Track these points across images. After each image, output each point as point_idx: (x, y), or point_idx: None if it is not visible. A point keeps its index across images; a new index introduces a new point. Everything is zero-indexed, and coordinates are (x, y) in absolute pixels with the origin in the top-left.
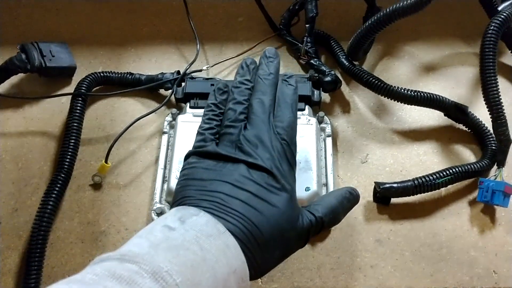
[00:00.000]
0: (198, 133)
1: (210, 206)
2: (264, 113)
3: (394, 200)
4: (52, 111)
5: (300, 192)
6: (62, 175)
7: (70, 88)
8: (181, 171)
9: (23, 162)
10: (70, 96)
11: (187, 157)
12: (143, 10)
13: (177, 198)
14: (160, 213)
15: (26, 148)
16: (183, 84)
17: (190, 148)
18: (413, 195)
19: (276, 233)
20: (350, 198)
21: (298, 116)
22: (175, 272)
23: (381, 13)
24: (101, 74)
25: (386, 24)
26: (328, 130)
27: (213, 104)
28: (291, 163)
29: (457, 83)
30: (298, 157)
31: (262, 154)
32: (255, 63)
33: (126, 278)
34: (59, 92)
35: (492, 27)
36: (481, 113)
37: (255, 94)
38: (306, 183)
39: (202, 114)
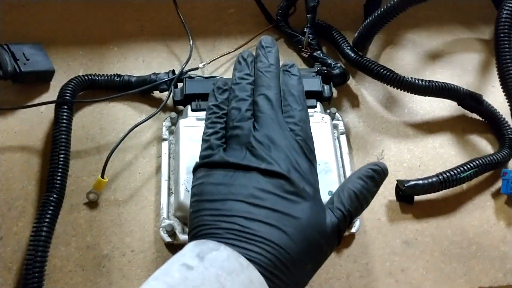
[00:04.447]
0: (203, 140)
1: (229, 235)
2: (272, 109)
3: (416, 197)
4: (31, 122)
5: (324, 197)
6: (54, 196)
7: (49, 95)
8: (191, 188)
9: (3, 183)
10: (51, 105)
11: (194, 170)
12: (122, 4)
13: (192, 226)
14: (170, 230)
15: (5, 166)
16: (180, 84)
17: (197, 155)
18: (438, 191)
19: (304, 247)
20: (375, 176)
21: (310, 114)
22: None
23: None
24: (86, 78)
25: (400, 11)
26: (341, 127)
27: (215, 106)
28: (310, 159)
29: (463, 70)
30: (317, 159)
31: (276, 156)
32: (252, 55)
33: None
34: (37, 100)
35: (505, 12)
36: (491, 100)
37: (258, 90)
38: (328, 187)
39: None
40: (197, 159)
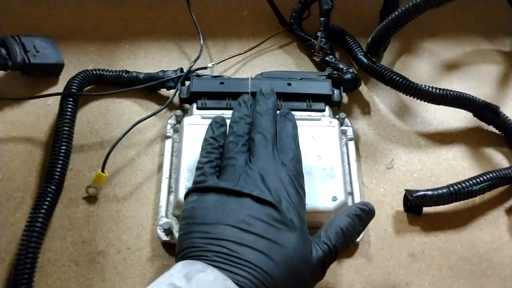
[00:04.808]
0: (197, 168)
1: (217, 258)
2: (267, 145)
3: (425, 209)
4: (37, 114)
5: (327, 203)
6: (52, 187)
7: (57, 88)
8: (182, 211)
9: (4, 173)
10: (58, 97)
11: (187, 195)
12: (134, 2)
13: (182, 248)
14: (167, 228)
15: (8, 156)
16: (187, 83)
17: (198, 155)
18: (448, 203)
19: (289, 276)
20: (362, 216)
21: (318, 117)
22: None
23: (412, 3)
24: (94, 72)
25: (415, 16)
26: (350, 133)
27: (211, 138)
28: (300, 193)
29: (481, 81)
30: (322, 164)
31: (268, 186)
32: (252, 99)
33: None
34: (45, 93)
35: None
36: (509, 114)
37: (255, 129)
38: (332, 192)
39: (211, 117)
40: (199, 157)
